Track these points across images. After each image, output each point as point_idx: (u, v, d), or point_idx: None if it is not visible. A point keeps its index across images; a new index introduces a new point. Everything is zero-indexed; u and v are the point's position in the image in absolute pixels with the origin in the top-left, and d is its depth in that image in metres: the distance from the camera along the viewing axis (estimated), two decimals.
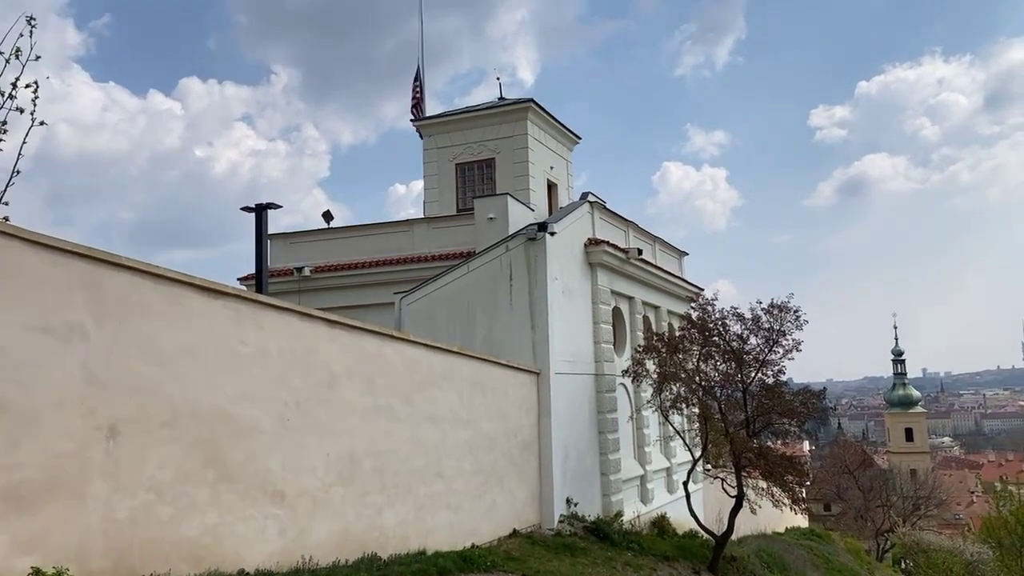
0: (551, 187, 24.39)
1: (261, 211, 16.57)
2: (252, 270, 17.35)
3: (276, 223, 18.87)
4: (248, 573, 8.41)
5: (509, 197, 19.34)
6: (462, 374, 13.86)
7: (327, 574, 9.11)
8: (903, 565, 29.80)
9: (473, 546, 12.64)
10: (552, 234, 16.85)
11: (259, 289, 15.81)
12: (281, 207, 17.11)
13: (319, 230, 22.64)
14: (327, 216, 22.99)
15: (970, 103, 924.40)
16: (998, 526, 16.56)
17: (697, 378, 17.69)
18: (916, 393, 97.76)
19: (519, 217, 18.94)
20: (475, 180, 23.34)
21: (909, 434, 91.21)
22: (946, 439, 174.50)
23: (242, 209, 16.81)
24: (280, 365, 9.49)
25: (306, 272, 21.02)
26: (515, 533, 14.57)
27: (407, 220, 22.37)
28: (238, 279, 20.64)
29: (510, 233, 17.50)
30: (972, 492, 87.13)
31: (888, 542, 47.16)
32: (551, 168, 24.42)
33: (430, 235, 20.99)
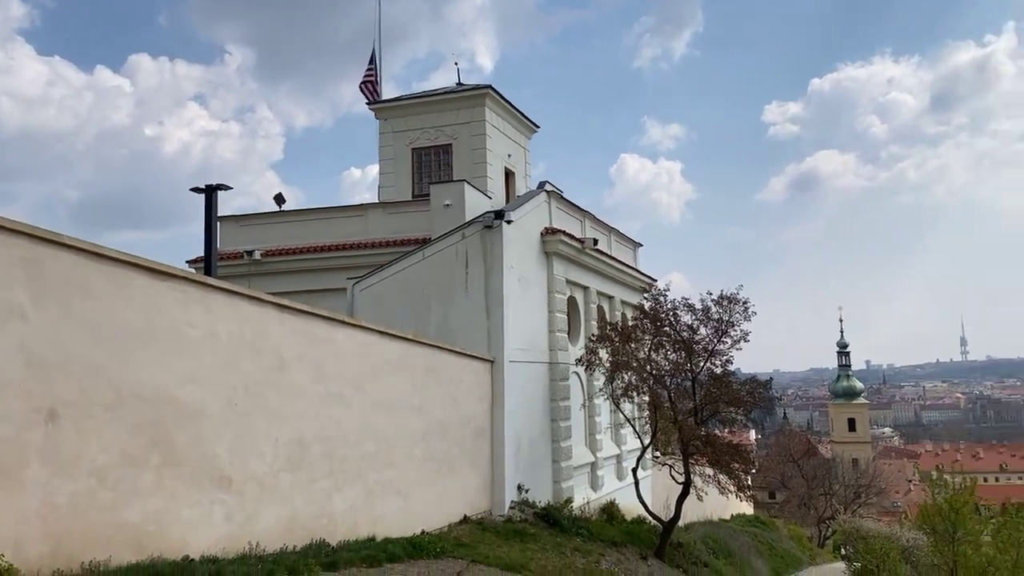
0: (508, 175, 24.37)
1: (211, 192, 16.24)
2: (202, 253, 17.01)
3: (227, 205, 18.58)
4: (192, 559, 8.28)
5: (466, 184, 19.27)
6: (415, 361, 13.81)
7: (274, 560, 9.01)
8: (843, 551, 30.67)
9: (423, 532, 12.65)
10: (509, 222, 16.86)
11: (208, 272, 15.49)
12: (231, 188, 16.80)
13: (271, 213, 22.25)
14: (279, 199, 22.61)
15: (917, 103, 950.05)
16: (933, 513, 17.09)
17: (648, 367, 17.93)
18: (859, 384, 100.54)
19: (476, 204, 18.88)
20: (432, 166, 23.19)
21: (852, 424, 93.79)
22: (887, 429, 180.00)
23: (192, 190, 16.46)
24: (229, 349, 9.34)
25: (256, 256, 20.66)
26: (466, 519, 14.61)
27: (361, 204, 22.14)
28: (187, 262, 20.19)
29: (466, 220, 17.44)
30: (910, 481, 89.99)
31: (829, 529, 48.53)
32: (509, 156, 24.40)
33: (385, 220, 20.79)
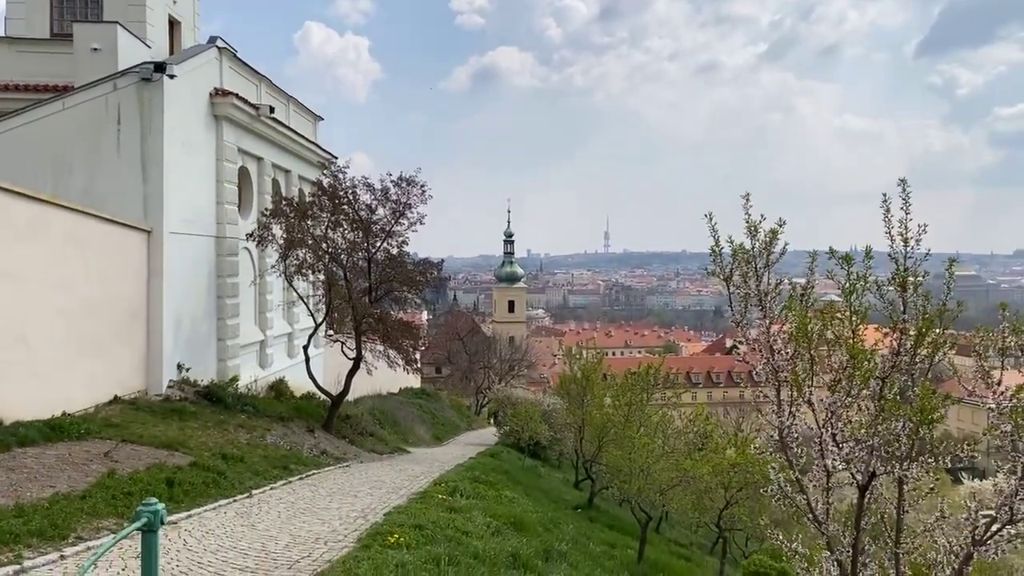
0: (173, 25, 21.68)
1: None
2: None
3: None
4: None
5: (119, 27, 16.77)
6: (54, 228, 12.18)
7: None
8: (496, 417, 34.08)
9: (64, 414, 11.49)
10: (172, 76, 15.12)
11: None
12: None
13: None
14: None
15: (589, 11, 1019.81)
16: (568, 380, 19.62)
17: (324, 245, 17.73)
18: (520, 271, 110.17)
19: (131, 52, 16.61)
20: (76, 1, 19.75)
21: (511, 306, 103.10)
22: (540, 311, 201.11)
23: None
24: None
25: None
26: (117, 400, 13.56)
27: None
28: None
29: (120, 70, 15.33)
30: (555, 355, 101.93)
31: (486, 398, 53.56)
32: (174, 2, 21.63)
33: (13, 59, 17.53)
